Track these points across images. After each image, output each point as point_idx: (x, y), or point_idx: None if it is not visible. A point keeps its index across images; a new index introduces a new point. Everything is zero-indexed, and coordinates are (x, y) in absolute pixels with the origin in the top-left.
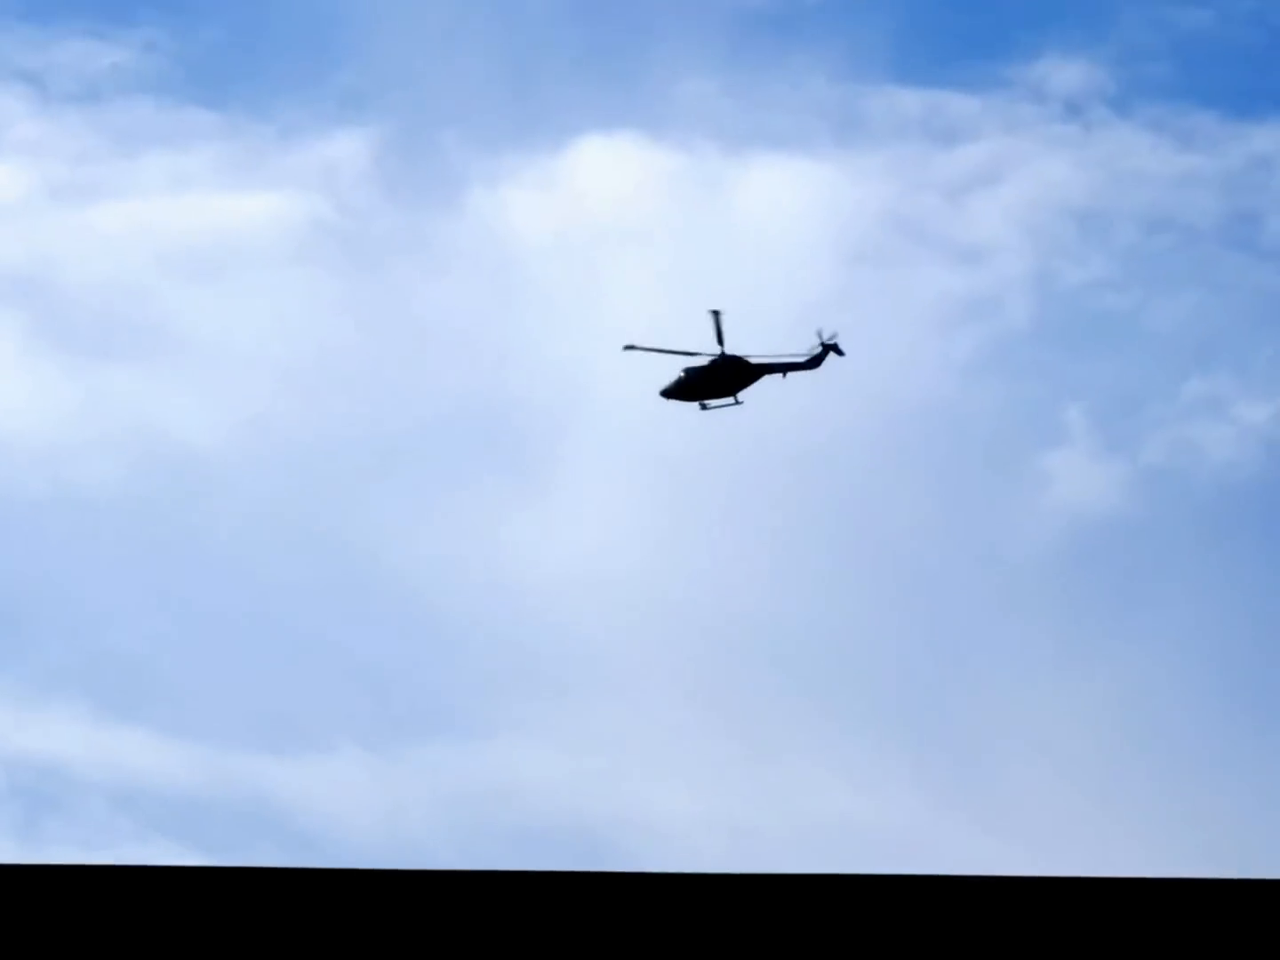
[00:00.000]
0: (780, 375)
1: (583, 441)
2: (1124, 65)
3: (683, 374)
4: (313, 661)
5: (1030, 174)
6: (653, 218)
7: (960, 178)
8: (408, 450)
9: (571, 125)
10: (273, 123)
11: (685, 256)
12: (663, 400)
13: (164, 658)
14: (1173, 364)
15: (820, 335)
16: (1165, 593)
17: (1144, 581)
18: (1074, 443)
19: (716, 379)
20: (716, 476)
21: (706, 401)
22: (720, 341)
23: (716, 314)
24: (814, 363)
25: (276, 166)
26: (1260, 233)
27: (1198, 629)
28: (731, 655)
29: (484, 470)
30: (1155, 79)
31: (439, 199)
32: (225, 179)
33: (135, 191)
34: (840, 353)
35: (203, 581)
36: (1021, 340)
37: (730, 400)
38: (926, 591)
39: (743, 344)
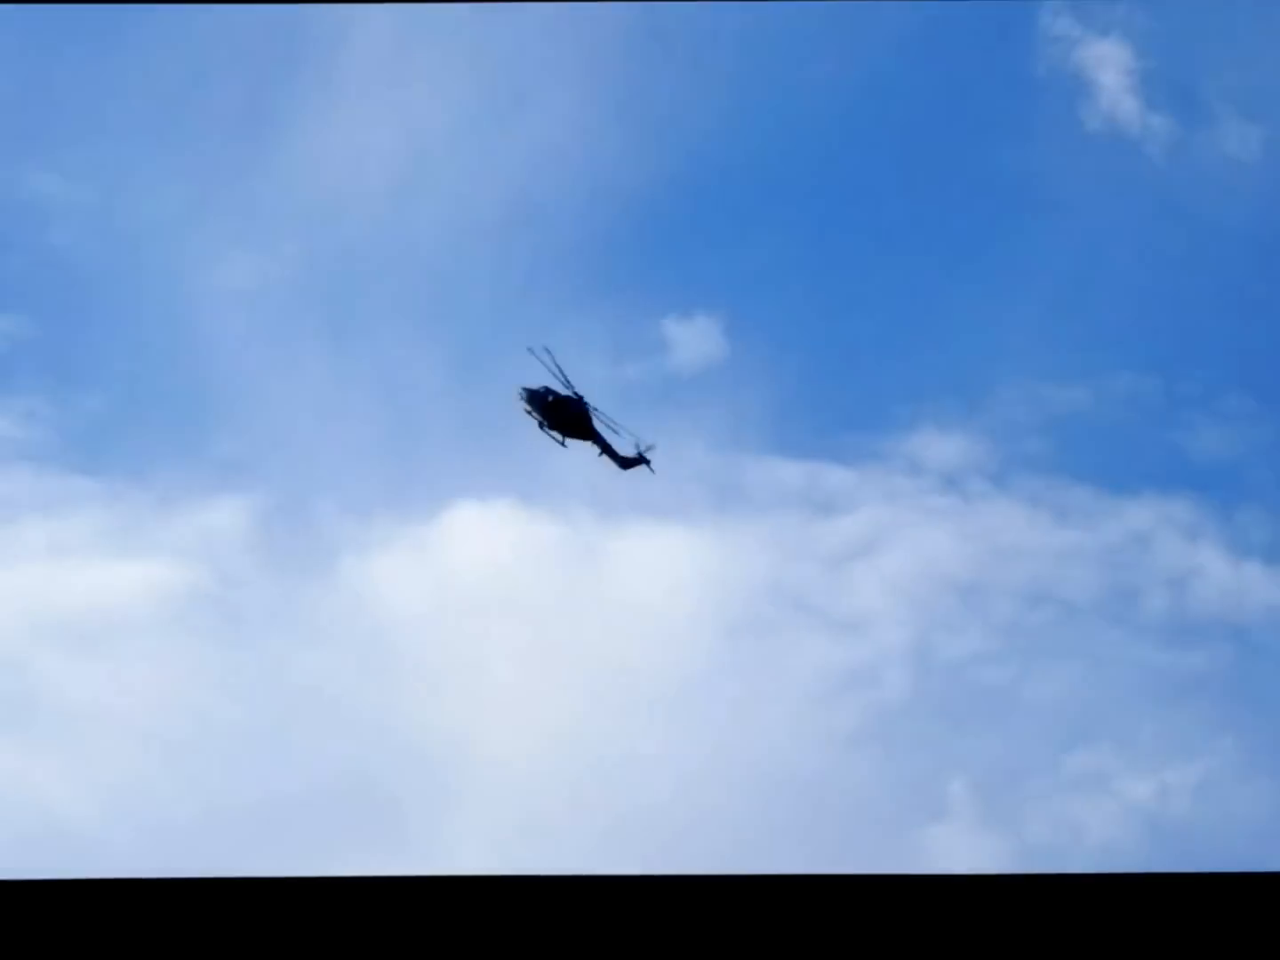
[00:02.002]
0: (598, 450)
1: (459, 811)
2: (1001, 440)
3: (543, 390)
4: None
5: (909, 545)
6: (528, 586)
7: (839, 548)
8: (285, 821)
9: (446, 492)
10: (152, 490)
11: (561, 625)
12: (520, 409)
13: None
14: (1054, 739)
15: (638, 445)
16: None
17: None
18: (956, 817)
19: (564, 412)
20: (598, 854)
21: (545, 425)
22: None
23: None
24: (625, 463)
25: (155, 534)
26: (1138, 608)
27: None
28: None
29: (360, 842)
30: (1032, 454)
31: (313, 567)
32: (103, 546)
33: (12, 559)
34: (651, 469)
35: None
36: (901, 712)
37: (559, 438)
38: None
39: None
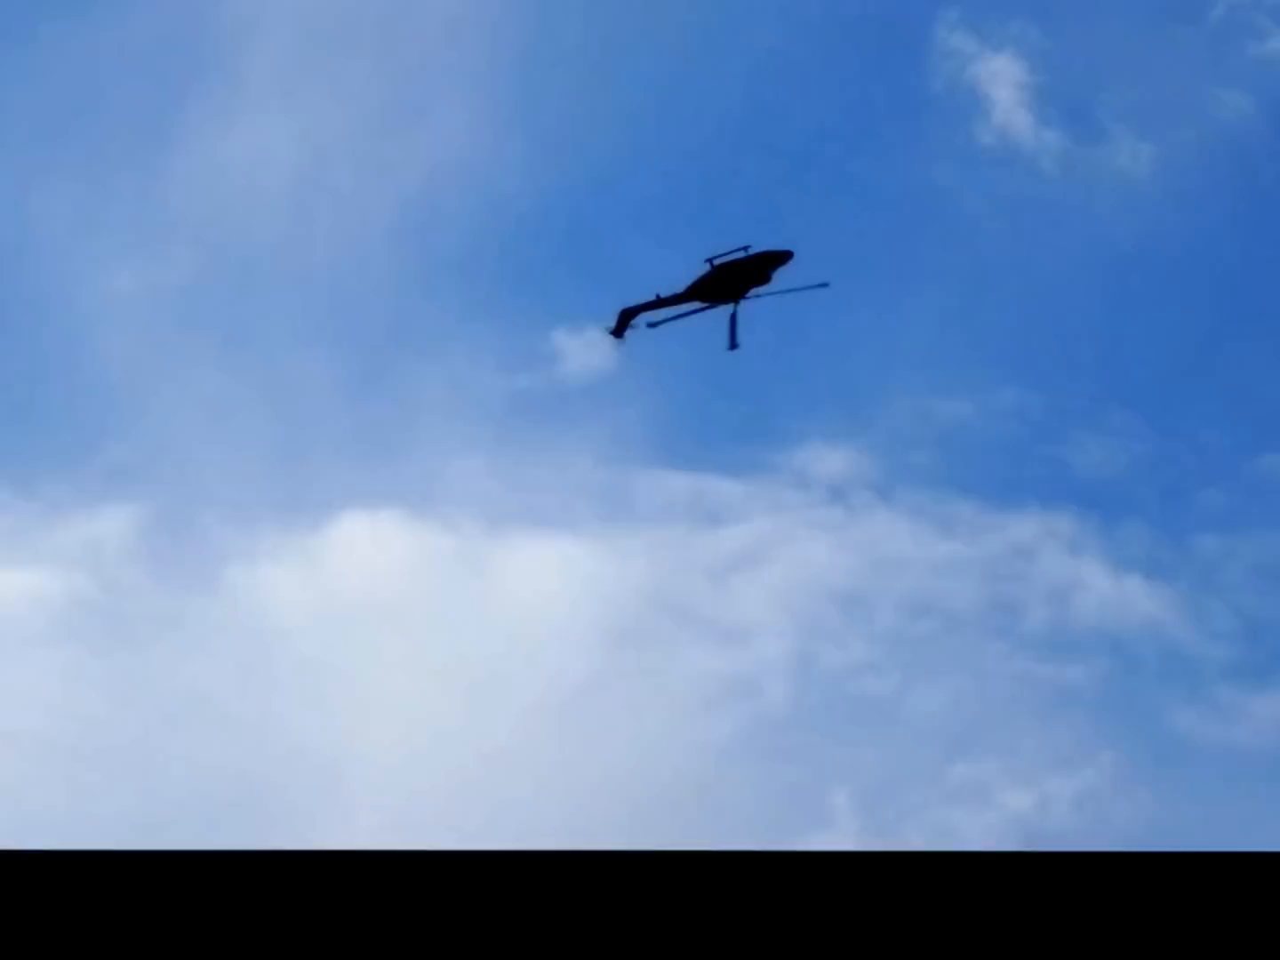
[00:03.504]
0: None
1: (342, 815)
2: (887, 453)
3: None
4: None
5: (793, 557)
6: (415, 595)
7: (725, 559)
8: (168, 826)
9: (334, 501)
10: (39, 499)
11: (447, 634)
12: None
13: None
14: (936, 749)
15: (614, 327)
16: None
17: None
18: (838, 825)
19: (751, 274)
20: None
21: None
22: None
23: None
24: (625, 319)
25: (41, 543)
26: (1019, 621)
27: None
28: None
29: (242, 845)
30: (917, 467)
31: (199, 576)
32: None
33: None
34: (614, 339)
35: None
36: (784, 722)
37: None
38: None
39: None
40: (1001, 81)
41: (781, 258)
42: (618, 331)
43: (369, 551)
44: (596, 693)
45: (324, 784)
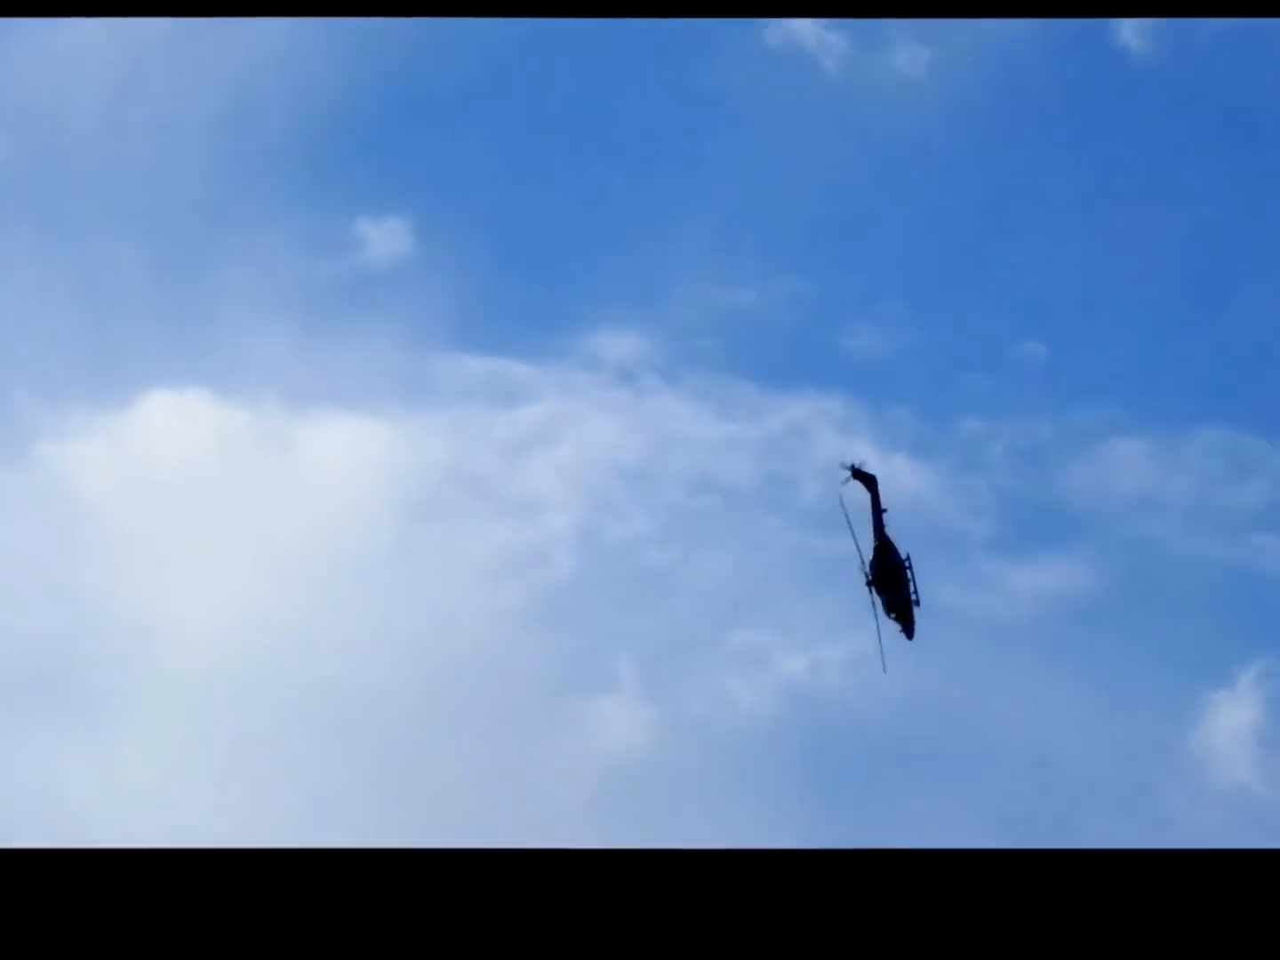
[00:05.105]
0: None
1: (144, 680)
2: (673, 339)
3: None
4: None
5: (583, 436)
6: (219, 472)
7: (517, 438)
8: None
9: (140, 381)
10: None
11: (250, 510)
12: None
13: None
14: (715, 617)
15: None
16: (688, 832)
17: (672, 816)
18: (621, 689)
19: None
20: (277, 726)
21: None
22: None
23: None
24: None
25: None
26: (794, 496)
27: None
28: None
29: (42, 712)
30: (701, 352)
31: (8, 452)
32: None
33: None
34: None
35: None
36: (569, 591)
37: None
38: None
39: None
40: None
41: (909, 628)
42: (855, 475)
43: (176, 429)
44: (394, 564)
45: (128, 654)
